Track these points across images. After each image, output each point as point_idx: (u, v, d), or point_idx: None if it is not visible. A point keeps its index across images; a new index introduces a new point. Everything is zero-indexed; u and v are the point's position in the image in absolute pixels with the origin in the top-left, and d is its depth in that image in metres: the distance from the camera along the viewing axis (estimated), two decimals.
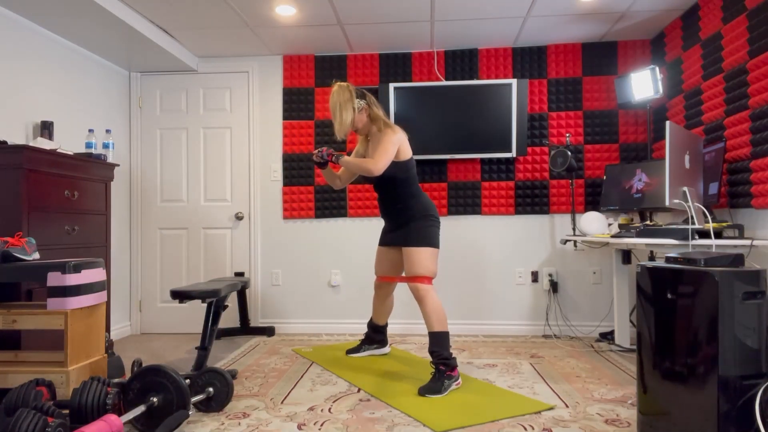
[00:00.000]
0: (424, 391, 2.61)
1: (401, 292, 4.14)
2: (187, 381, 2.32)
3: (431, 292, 2.79)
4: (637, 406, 2.01)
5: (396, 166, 2.85)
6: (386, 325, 3.41)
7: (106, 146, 3.42)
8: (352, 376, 2.94)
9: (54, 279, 2.30)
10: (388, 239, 3.07)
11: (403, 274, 3.10)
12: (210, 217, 4.29)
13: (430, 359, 2.75)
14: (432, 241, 2.85)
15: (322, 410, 2.42)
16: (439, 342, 2.72)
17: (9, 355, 2.47)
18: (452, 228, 4.14)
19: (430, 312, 2.76)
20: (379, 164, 2.72)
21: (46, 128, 3.15)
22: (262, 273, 4.26)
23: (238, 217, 4.27)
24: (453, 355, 2.73)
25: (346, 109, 2.85)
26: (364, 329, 4.10)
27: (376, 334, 3.40)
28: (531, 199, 4.08)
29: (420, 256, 2.81)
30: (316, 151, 2.89)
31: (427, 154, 3.99)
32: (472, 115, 3.95)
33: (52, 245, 2.82)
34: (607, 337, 3.76)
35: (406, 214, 2.91)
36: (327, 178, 3.08)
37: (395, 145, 2.78)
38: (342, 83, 2.91)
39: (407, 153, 2.87)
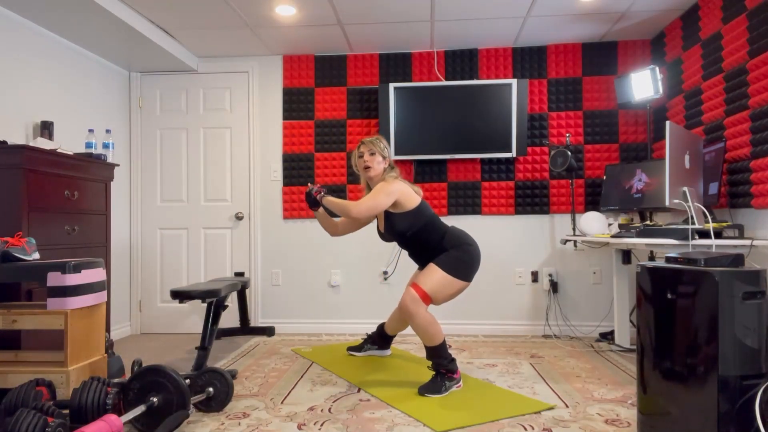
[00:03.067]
0: (423, 391, 2.60)
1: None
2: (187, 381, 2.32)
3: (420, 307, 2.61)
4: (637, 406, 2.01)
5: (408, 217, 2.72)
6: (393, 337, 3.38)
7: (106, 146, 3.42)
8: (352, 376, 2.94)
9: (54, 279, 2.30)
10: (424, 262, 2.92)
11: None
12: (210, 217, 4.29)
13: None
14: (457, 271, 2.67)
15: (322, 410, 2.42)
16: (435, 354, 2.67)
17: (9, 355, 2.47)
18: None
19: (420, 328, 2.62)
20: (360, 207, 2.59)
21: (46, 128, 3.15)
22: (262, 273, 4.26)
23: (238, 217, 4.27)
24: (453, 359, 2.70)
25: (384, 145, 2.84)
26: (364, 329, 4.10)
27: (381, 339, 3.38)
28: (531, 199, 4.08)
29: (435, 275, 2.66)
30: (311, 185, 2.82)
31: (427, 154, 3.99)
32: (472, 115, 3.95)
33: (52, 245, 2.82)
34: (607, 337, 3.76)
35: (441, 249, 2.76)
36: (321, 222, 2.94)
37: (386, 194, 2.62)
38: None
39: (413, 200, 2.72)
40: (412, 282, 2.73)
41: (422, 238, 2.76)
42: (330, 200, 2.70)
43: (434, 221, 2.78)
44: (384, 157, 2.84)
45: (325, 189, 2.80)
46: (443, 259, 2.70)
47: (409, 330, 4.10)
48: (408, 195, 2.71)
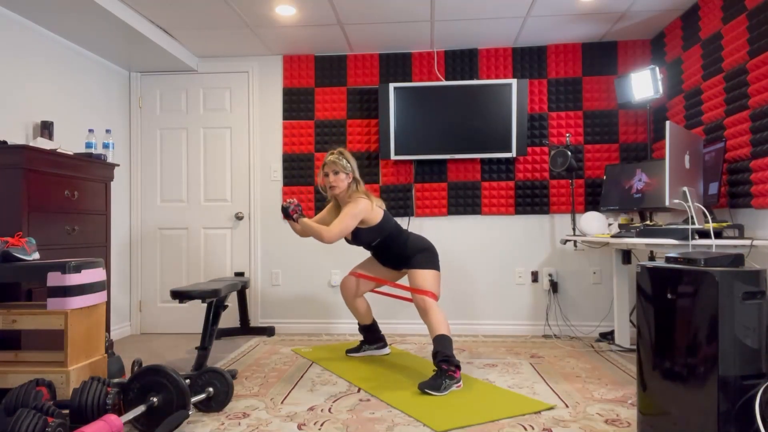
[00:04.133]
0: (423, 387, 2.62)
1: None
2: (187, 381, 2.32)
3: (436, 305, 2.87)
4: (637, 406, 2.01)
5: (373, 231, 2.98)
6: (374, 322, 3.43)
7: (106, 146, 3.42)
8: (352, 376, 2.94)
9: (54, 279, 2.29)
10: (386, 262, 3.23)
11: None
12: (210, 217, 4.29)
13: (433, 360, 2.76)
14: (434, 265, 3.00)
15: (322, 410, 2.42)
16: (442, 343, 2.75)
17: (9, 355, 2.47)
18: (452, 228, 4.14)
19: (434, 320, 2.82)
20: (332, 233, 2.84)
21: (46, 128, 3.15)
22: (262, 273, 4.26)
23: (238, 217, 4.27)
24: (456, 358, 2.73)
25: (346, 162, 3.01)
26: None
27: (370, 334, 3.42)
28: (531, 199, 4.08)
29: (426, 276, 2.94)
30: (288, 200, 2.98)
31: (427, 154, 3.99)
32: (472, 115, 3.95)
33: (52, 245, 2.82)
34: (607, 337, 3.76)
35: (403, 257, 3.05)
36: (294, 229, 3.06)
37: (353, 217, 2.87)
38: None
39: (377, 216, 2.96)
40: (418, 290, 2.90)
41: (385, 245, 3.09)
42: (305, 222, 2.92)
43: (395, 231, 3.06)
44: (347, 174, 3.01)
45: (300, 207, 2.99)
46: (420, 262, 2.99)
47: (409, 330, 4.11)
48: (371, 213, 2.95)
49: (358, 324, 3.42)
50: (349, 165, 3.01)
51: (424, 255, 3.01)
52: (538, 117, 4.08)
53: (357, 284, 3.28)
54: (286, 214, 2.97)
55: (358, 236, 3.01)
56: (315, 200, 4.19)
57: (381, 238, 3.02)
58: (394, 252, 3.08)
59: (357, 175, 3.06)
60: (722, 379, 1.66)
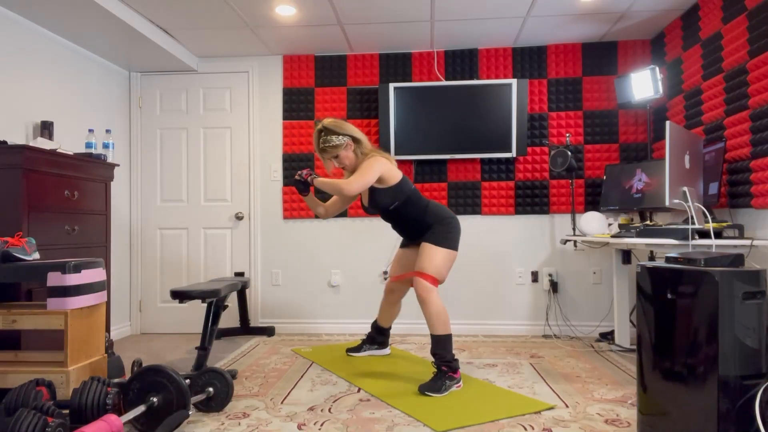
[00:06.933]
0: (424, 389, 2.61)
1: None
2: (187, 381, 2.32)
3: (434, 294, 2.73)
4: (637, 406, 2.01)
5: (391, 192, 2.80)
6: (390, 328, 3.40)
7: (106, 146, 3.42)
8: (352, 376, 2.94)
9: (54, 279, 2.30)
10: (408, 242, 3.11)
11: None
12: (210, 217, 4.29)
13: (432, 360, 2.75)
14: (450, 243, 2.81)
15: (322, 410, 2.42)
16: (441, 345, 2.71)
17: (9, 355, 2.47)
18: None
19: (432, 314, 2.72)
20: (352, 185, 2.63)
21: (46, 128, 3.15)
22: (262, 273, 4.26)
23: (238, 217, 4.27)
24: (455, 358, 2.73)
25: (336, 137, 2.81)
26: (364, 329, 4.10)
27: (378, 335, 3.40)
28: (531, 199, 4.08)
29: (434, 254, 2.76)
30: (299, 172, 2.83)
31: (427, 154, 3.99)
32: (472, 115, 3.95)
33: (52, 245, 2.82)
34: (607, 337, 3.76)
35: (424, 226, 2.87)
36: (309, 205, 2.99)
37: (374, 171, 2.69)
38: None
39: (396, 176, 2.80)
40: (417, 271, 2.78)
41: (404, 212, 2.87)
42: (321, 181, 2.70)
43: (415, 195, 2.87)
44: (345, 145, 2.81)
45: (313, 172, 2.83)
46: (434, 237, 2.80)
47: (409, 330, 4.10)
48: (390, 171, 2.79)
49: (374, 321, 3.38)
50: (341, 137, 2.80)
51: (444, 227, 2.80)
52: (538, 117, 4.08)
53: (393, 288, 3.24)
54: (301, 185, 2.79)
55: (374, 198, 2.83)
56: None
57: (399, 202, 2.81)
58: (413, 218, 2.86)
59: (355, 134, 2.84)
60: (722, 379, 1.66)
